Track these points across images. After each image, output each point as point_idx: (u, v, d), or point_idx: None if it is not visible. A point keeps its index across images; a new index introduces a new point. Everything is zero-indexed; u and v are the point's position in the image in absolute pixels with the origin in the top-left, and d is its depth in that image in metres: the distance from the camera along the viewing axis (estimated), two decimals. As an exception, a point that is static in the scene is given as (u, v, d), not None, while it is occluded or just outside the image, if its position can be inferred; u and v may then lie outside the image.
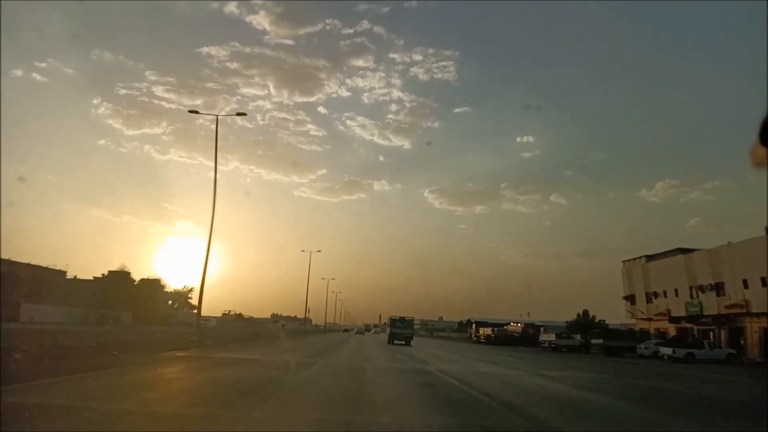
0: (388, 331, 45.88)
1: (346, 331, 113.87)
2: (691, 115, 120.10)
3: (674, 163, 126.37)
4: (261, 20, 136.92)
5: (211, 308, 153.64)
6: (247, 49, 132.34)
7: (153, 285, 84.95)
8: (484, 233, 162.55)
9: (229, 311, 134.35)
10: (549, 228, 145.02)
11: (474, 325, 69.83)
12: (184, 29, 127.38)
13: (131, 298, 73.99)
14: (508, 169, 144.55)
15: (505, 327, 63.14)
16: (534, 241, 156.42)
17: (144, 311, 73.06)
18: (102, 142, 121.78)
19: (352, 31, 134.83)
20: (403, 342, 41.65)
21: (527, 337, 57.38)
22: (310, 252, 64.72)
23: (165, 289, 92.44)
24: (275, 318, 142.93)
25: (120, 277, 74.40)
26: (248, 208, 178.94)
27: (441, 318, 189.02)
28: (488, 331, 63.53)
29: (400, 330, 43.59)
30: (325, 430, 6.75)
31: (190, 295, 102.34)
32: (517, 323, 64.05)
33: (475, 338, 67.06)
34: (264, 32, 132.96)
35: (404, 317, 45.00)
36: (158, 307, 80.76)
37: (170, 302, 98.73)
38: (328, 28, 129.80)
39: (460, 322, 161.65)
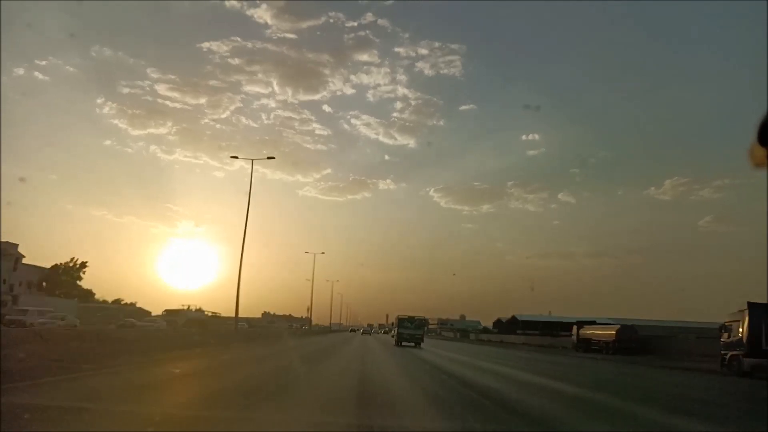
0: (396, 331, 41.88)
1: (353, 331, 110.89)
2: (699, 111, 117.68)
3: (683, 160, 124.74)
4: (262, 14, 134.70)
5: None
6: (249, 44, 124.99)
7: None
8: (492, 232, 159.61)
9: (188, 306, 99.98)
10: (557, 227, 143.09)
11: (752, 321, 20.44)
12: (183, 23, 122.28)
13: None
14: (515, 167, 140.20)
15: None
16: (545, 241, 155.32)
17: None
18: (108, 142, 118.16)
19: (356, 24, 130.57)
20: (413, 344, 37.46)
21: None
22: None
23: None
24: (266, 317, 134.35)
25: None
26: (252, 208, 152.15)
27: (463, 317, 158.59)
28: None
29: (409, 331, 38.97)
30: None
31: (81, 273, 61.29)
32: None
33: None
34: (266, 26, 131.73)
35: (413, 316, 40.03)
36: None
37: (44, 283, 57.31)
38: (331, 21, 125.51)
39: (498, 321, 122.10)
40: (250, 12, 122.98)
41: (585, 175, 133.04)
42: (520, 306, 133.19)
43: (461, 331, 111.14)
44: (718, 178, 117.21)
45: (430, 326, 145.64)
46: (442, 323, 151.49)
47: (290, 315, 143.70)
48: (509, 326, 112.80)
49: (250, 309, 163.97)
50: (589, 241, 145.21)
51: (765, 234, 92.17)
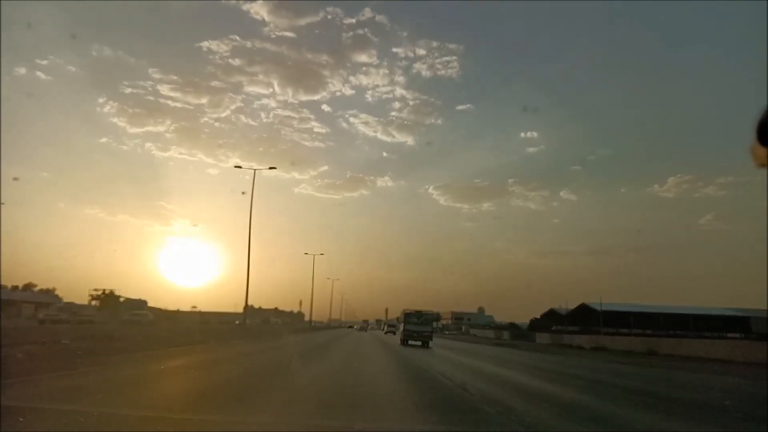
0: (401, 328, 37.75)
1: (350, 327, 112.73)
2: (703, 108, 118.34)
3: (687, 157, 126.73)
4: (259, 9, 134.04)
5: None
6: (248, 43, 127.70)
7: None
8: (492, 230, 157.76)
9: (102, 291, 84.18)
10: (558, 225, 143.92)
11: None
12: (181, 20, 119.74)
13: None
14: (515, 164, 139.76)
15: None
16: (547, 239, 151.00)
17: None
18: (104, 140, 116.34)
19: (354, 21, 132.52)
20: (420, 343, 33.95)
21: None
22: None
23: None
24: (249, 312, 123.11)
25: None
26: (246, 205, 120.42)
27: (482, 309, 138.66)
28: None
29: (417, 327, 35.42)
30: None
31: None
32: None
33: None
34: (263, 23, 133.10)
35: (421, 311, 36.32)
36: None
37: None
38: (329, 17, 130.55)
39: (550, 312, 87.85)
40: (246, 7, 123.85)
41: (587, 173, 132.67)
42: (536, 304, 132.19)
43: (513, 330, 75.93)
44: (722, 175, 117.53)
45: (442, 322, 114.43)
46: (458, 317, 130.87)
47: (276, 309, 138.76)
48: (569, 319, 79.23)
49: (237, 304, 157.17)
50: (589, 239, 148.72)
51: (766, 232, 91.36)
